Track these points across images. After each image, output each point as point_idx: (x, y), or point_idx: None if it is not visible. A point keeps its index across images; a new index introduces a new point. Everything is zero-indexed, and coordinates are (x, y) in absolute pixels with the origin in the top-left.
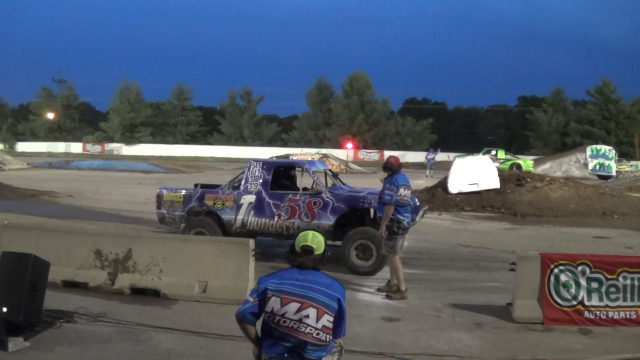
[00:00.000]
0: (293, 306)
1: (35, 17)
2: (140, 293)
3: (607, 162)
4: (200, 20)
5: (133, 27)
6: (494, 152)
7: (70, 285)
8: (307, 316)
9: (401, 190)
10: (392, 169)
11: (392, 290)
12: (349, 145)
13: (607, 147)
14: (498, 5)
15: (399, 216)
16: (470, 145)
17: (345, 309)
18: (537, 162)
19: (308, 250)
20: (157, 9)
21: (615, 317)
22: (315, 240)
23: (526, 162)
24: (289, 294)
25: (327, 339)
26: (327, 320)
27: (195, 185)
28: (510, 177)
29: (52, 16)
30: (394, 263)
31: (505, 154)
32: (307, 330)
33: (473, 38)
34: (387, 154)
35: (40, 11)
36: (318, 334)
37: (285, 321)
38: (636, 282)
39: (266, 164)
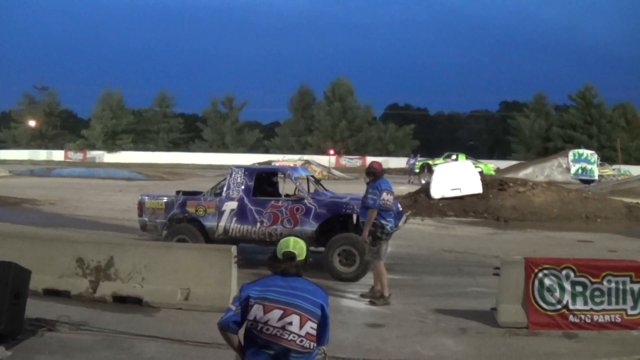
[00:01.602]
0: (276, 313)
1: (17, 24)
2: (123, 301)
3: (589, 167)
4: (182, 27)
5: (115, 35)
6: (454, 157)
7: (52, 294)
8: (291, 323)
9: (384, 195)
10: (375, 174)
11: (375, 296)
12: (331, 152)
13: (590, 152)
14: (480, 11)
15: (382, 221)
16: (453, 150)
17: (328, 316)
18: (519, 167)
19: (290, 256)
20: (140, 16)
21: (600, 320)
22: (297, 246)
23: (487, 165)
24: (271, 301)
25: (311, 346)
26: (310, 327)
27: (177, 192)
28: (493, 182)
29: (35, 23)
30: (378, 268)
31: (466, 158)
32: (291, 337)
33: (455, 44)
34: (370, 160)
35: (22, 18)
36: (302, 340)
37: (268, 328)
38: (620, 286)
39: (248, 171)
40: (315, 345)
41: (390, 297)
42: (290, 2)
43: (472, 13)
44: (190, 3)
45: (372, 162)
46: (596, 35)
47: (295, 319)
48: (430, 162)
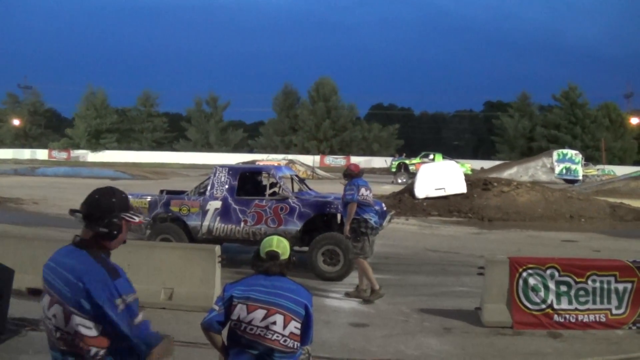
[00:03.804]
0: (259, 313)
1: (0, 23)
2: None
3: (573, 167)
4: (166, 27)
5: (99, 34)
6: (431, 156)
7: (36, 293)
8: (274, 323)
9: (362, 190)
10: (351, 175)
11: (365, 295)
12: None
13: (574, 152)
14: (465, 11)
15: (365, 215)
16: (437, 150)
17: (312, 315)
18: (503, 167)
19: (273, 255)
20: (124, 14)
21: (584, 320)
22: (281, 245)
23: (464, 165)
24: (255, 300)
25: (295, 346)
26: (294, 326)
27: (161, 192)
28: (477, 182)
29: (18, 22)
30: (362, 265)
31: (443, 157)
32: (274, 337)
33: (439, 44)
34: (354, 159)
35: (5, 17)
36: (285, 340)
37: (252, 328)
38: (605, 285)
39: (232, 170)
40: (299, 345)
41: (381, 289)
42: (274, 1)
43: (457, 13)
44: (174, 2)
45: (350, 165)
46: (580, 35)
47: (278, 318)
48: (407, 161)
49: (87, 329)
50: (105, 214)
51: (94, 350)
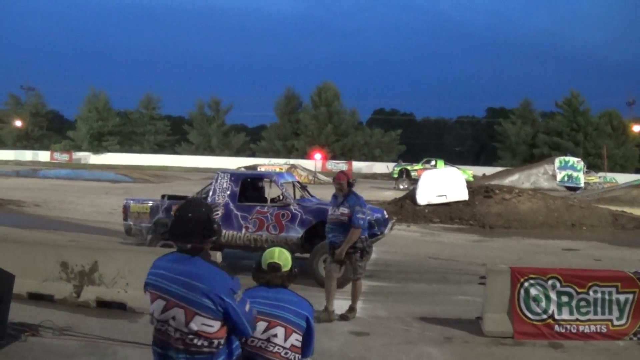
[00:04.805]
0: (261, 325)
1: (2, 24)
2: (106, 306)
3: (575, 174)
4: (169, 30)
5: (102, 36)
6: (433, 162)
7: (36, 298)
8: (275, 335)
9: (367, 211)
10: (352, 185)
11: (350, 312)
12: (317, 155)
13: (576, 159)
14: (467, 17)
15: (367, 234)
16: (438, 156)
17: (313, 328)
18: (505, 174)
19: (275, 267)
20: (127, 17)
21: (585, 330)
22: (282, 257)
23: (466, 171)
24: (256, 313)
25: (296, 358)
26: (295, 339)
27: (163, 197)
28: (479, 189)
29: (21, 23)
30: (359, 286)
31: (445, 164)
32: (275, 349)
33: (442, 50)
34: (356, 164)
35: (8, 18)
36: (286, 353)
37: (253, 340)
38: (607, 296)
39: (234, 176)
40: (299, 357)
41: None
42: (277, 7)
43: (459, 19)
44: (177, 6)
45: (345, 175)
46: (582, 42)
47: (280, 331)
48: (409, 167)
49: (209, 326)
50: (207, 224)
51: (216, 342)
